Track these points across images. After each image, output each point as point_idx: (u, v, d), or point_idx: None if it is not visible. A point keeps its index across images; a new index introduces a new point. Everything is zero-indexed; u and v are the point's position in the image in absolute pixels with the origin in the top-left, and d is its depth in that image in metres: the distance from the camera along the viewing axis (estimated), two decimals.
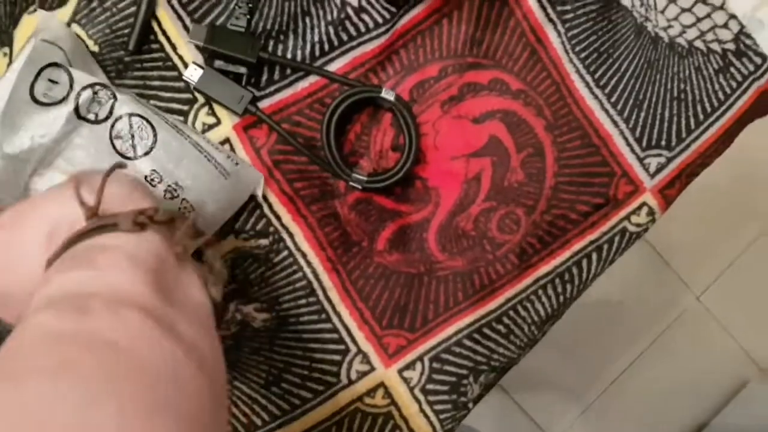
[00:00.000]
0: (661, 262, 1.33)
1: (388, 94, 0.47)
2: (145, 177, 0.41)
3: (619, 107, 0.52)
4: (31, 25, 0.46)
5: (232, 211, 0.47)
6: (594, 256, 0.52)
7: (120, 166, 0.34)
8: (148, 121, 0.41)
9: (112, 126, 0.41)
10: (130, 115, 0.41)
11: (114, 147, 0.41)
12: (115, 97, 0.41)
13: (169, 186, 0.41)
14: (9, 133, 0.39)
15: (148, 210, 0.32)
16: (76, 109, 0.40)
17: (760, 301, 1.34)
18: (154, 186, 0.41)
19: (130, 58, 0.47)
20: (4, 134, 0.38)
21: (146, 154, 0.41)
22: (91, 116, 0.40)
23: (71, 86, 0.40)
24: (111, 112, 0.41)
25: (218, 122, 0.48)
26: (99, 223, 0.31)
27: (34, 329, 0.25)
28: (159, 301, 0.28)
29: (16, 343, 0.25)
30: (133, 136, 0.41)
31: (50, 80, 0.39)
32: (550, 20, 0.51)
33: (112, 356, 0.24)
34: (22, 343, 0.25)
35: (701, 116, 0.53)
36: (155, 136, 0.41)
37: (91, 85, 0.40)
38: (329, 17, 0.49)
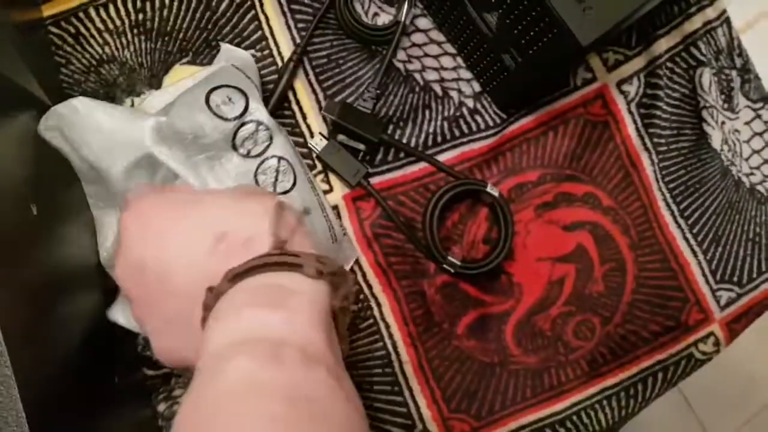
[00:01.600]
0: (686, 405, 1.32)
1: (492, 190, 0.51)
2: None
3: (699, 238, 0.55)
4: (181, 74, 0.51)
5: None
6: (660, 375, 0.53)
7: (306, 212, 0.36)
8: (292, 168, 0.45)
9: (261, 163, 0.44)
10: (280, 158, 0.45)
11: (256, 180, 0.44)
12: (271, 140, 0.44)
13: None
14: (181, 111, 0.42)
15: (323, 258, 0.33)
16: (234, 136, 0.43)
17: None
18: None
19: None
20: (178, 112, 0.42)
21: (283, 193, 0.44)
22: (242, 150, 0.44)
23: (243, 113, 0.44)
24: (263, 152, 0.44)
25: (331, 190, 0.51)
26: (285, 260, 0.32)
27: (237, 375, 0.26)
28: (333, 358, 0.29)
29: (221, 386, 0.26)
30: (276, 176, 0.44)
31: (228, 98, 0.43)
32: (646, 148, 0.55)
33: (311, 414, 0.25)
34: (228, 389, 0.26)
35: None
36: (295, 182, 0.45)
37: (259, 122, 0.44)
38: (446, 113, 0.53)
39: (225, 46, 0.50)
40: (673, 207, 0.55)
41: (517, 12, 0.43)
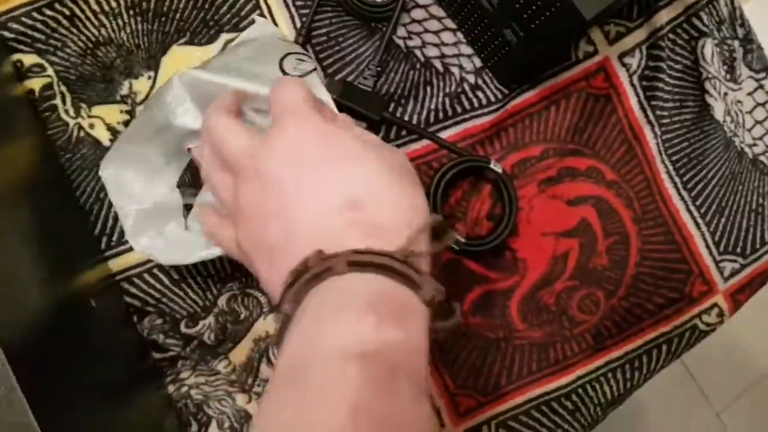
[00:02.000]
0: (687, 373, 1.33)
1: (495, 167, 0.51)
2: None
3: (702, 210, 0.55)
4: (179, 56, 0.51)
5: None
6: (664, 347, 0.54)
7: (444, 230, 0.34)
8: None
9: None
10: None
11: None
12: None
13: None
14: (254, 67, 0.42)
15: (437, 284, 0.31)
16: None
17: None
18: None
19: None
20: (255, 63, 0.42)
21: None
22: None
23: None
24: None
25: None
26: (409, 274, 0.29)
27: (349, 400, 0.25)
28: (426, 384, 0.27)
29: (329, 409, 0.24)
30: None
31: (298, 59, 0.44)
32: (649, 121, 0.54)
33: None
34: (337, 415, 0.24)
35: None
36: None
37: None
38: (448, 89, 0.53)
39: (259, 20, 0.50)
40: (677, 179, 0.55)
41: None
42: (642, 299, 0.53)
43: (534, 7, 0.43)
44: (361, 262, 0.29)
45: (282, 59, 0.44)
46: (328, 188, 0.32)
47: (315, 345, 0.27)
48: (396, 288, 0.29)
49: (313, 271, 0.30)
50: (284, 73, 0.43)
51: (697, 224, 0.55)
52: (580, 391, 0.52)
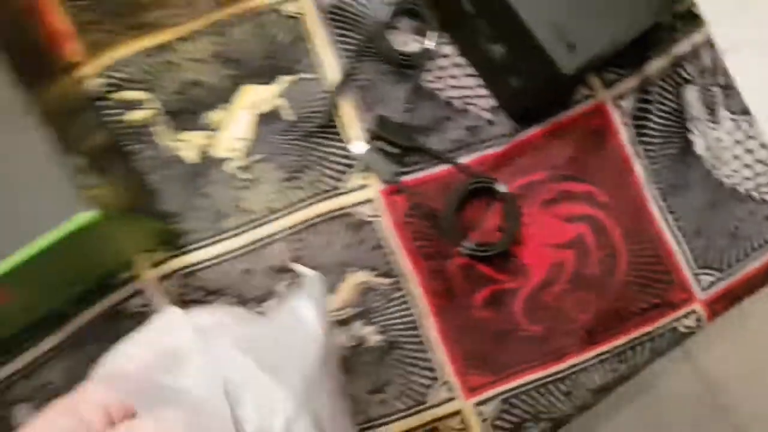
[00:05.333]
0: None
1: (501, 187, 0.62)
2: None
3: (683, 231, 0.64)
4: (247, 92, 0.63)
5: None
6: (647, 345, 0.63)
7: None
8: None
9: None
10: None
11: None
12: None
13: None
14: None
15: None
16: None
17: None
18: None
19: (315, 129, 0.63)
20: None
21: None
22: None
23: None
24: None
25: (367, 186, 0.63)
26: None
27: None
28: None
29: None
30: None
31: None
32: (638, 154, 0.65)
33: None
34: None
35: (749, 250, 0.65)
36: None
37: None
38: (466, 123, 0.64)
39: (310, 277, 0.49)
40: (661, 203, 0.65)
41: (516, 46, 0.54)
42: (628, 303, 0.63)
43: (528, 63, 0.54)
44: None
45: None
46: None
47: None
48: None
49: None
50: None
51: (678, 242, 0.64)
52: (573, 376, 0.62)
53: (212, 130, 0.63)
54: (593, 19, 0.51)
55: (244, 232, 0.62)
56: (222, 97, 0.63)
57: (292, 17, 0.64)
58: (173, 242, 0.61)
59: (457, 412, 0.61)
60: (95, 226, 0.42)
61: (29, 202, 0.42)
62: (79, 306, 0.60)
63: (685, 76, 0.66)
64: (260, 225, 0.62)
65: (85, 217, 0.41)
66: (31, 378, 0.60)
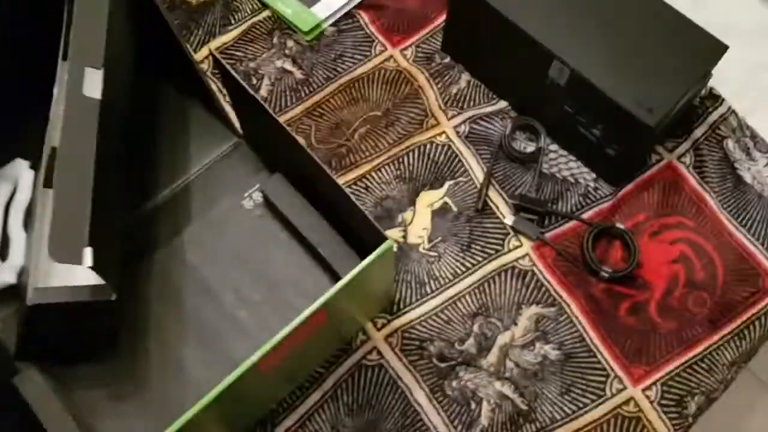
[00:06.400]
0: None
1: (620, 224, 0.86)
2: None
3: (756, 236, 0.87)
4: (425, 196, 0.89)
5: None
6: (757, 323, 0.83)
7: None
8: None
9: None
10: None
11: None
12: None
13: None
14: None
15: None
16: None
17: None
18: None
19: (475, 213, 0.88)
20: None
21: None
22: None
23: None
24: None
25: (521, 245, 0.87)
26: None
27: None
28: None
29: None
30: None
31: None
32: (706, 191, 0.90)
33: None
34: None
35: None
36: None
37: None
38: (580, 191, 0.90)
39: None
40: (735, 221, 0.88)
41: (610, 122, 0.81)
42: (733, 294, 0.84)
43: (621, 131, 0.81)
44: None
45: None
46: None
47: None
48: None
49: None
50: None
51: (755, 245, 0.87)
52: (709, 356, 0.82)
53: (405, 227, 0.88)
54: (661, 86, 0.78)
55: (440, 293, 0.85)
56: (407, 203, 0.89)
57: (443, 144, 0.92)
58: (390, 309, 0.84)
59: (630, 399, 0.80)
60: (389, 254, 0.64)
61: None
62: (329, 368, 0.81)
63: (722, 134, 0.93)
64: (451, 286, 0.85)
65: (389, 244, 0.63)
66: (304, 429, 0.79)
